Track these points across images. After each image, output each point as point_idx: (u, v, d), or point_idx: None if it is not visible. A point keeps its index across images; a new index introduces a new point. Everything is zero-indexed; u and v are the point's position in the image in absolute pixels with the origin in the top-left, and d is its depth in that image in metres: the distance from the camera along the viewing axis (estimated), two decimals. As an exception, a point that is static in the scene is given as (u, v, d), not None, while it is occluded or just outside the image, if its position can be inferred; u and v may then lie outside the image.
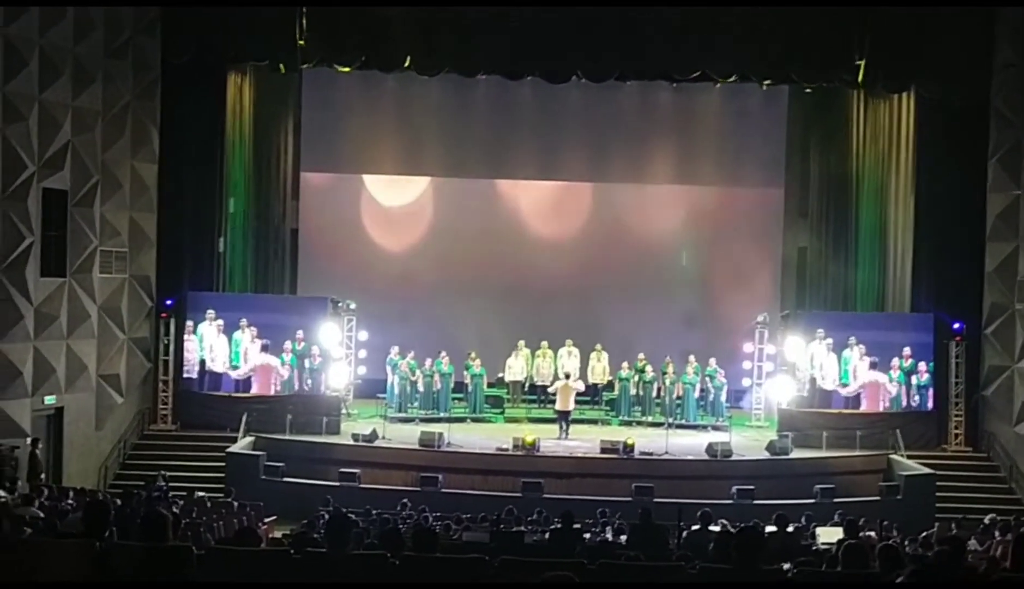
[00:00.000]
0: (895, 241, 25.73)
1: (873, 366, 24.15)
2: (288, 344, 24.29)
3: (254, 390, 24.23)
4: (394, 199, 28.45)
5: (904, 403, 24.26)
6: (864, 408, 24.19)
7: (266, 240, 27.31)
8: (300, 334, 24.38)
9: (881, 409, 24.15)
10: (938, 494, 21.58)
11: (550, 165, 28.21)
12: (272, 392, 24.15)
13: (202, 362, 24.40)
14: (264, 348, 24.26)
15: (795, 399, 24.32)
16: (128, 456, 23.40)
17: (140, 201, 24.16)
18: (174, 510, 13.22)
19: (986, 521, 17.22)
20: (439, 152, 28.23)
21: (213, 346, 24.39)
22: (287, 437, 22.95)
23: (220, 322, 24.33)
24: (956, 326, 24.38)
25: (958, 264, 24.62)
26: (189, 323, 24.29)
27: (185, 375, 24.37)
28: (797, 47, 24.09)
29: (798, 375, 24.42)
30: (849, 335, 24.40)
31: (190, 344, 24.33)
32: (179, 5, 23.75)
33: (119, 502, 14.79)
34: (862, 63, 23.76)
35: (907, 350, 24.21)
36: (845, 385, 24.35)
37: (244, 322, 24.39)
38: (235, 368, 24.36)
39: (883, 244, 26.15)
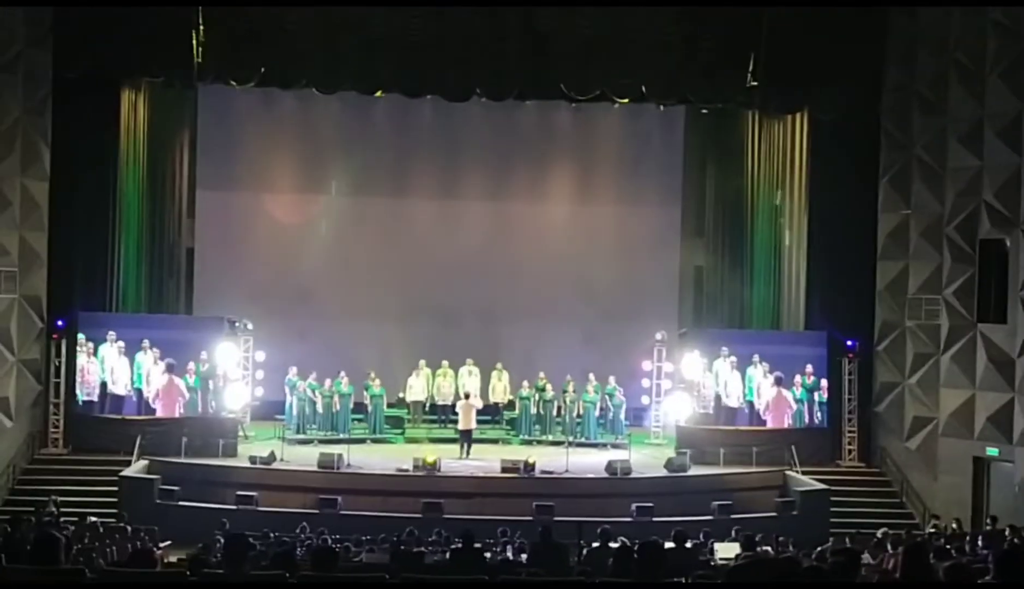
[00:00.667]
0: (789, 259, 26.19)
1: (778, 382, 24.48)
2: (192, 365, 23.91)
3: (158, 413, 23.77)
4: (292, 217, 28.15)
5: (807, 420, 24.62)
6: (770, 424, 24.49)
7: (161, 259, 26.86)
8: (204, 355, 24.02)
9: (786, 425, 24.48)
10: (833, 509, 21.92)
11: (451, 184, 28.19)
12: (177, 414, 23.72)
13: (103, 384, 23.88)
14: (168, 369, 23.83)
15: (693, 416, 24.55)
16: (17, 481, 22.73)
17: (30, 219, 23.62)
18: (65, 534, 12.87)
19: (879, 535, 17.52)
20: (338, 170, 28.05)
21: (114, 368, 23.90)
22: (182, 460, 22.53)
23: (121, 344, 23.86)
24: (849, 343, 24.86)
25: (851, 282, 25.14)
26: (90, 344, 23.75)
27: (86, 397, 23.82)
28: (693, 68, 24.44)
29: (703, 392, 24.66)
30: (751, 352, 24.71)
31: (91, 366, 23.79)
32: (72, 16, 23.29)
33: (8, 528, 14.37)
34: (757, 85, 24.15)
35: (809, 367, 24.60)
36: (750, 402, 24.64)
37: (146, 343, 23.97)
38: (138, 390, 23.89)
39: (778, 262, 26.60)
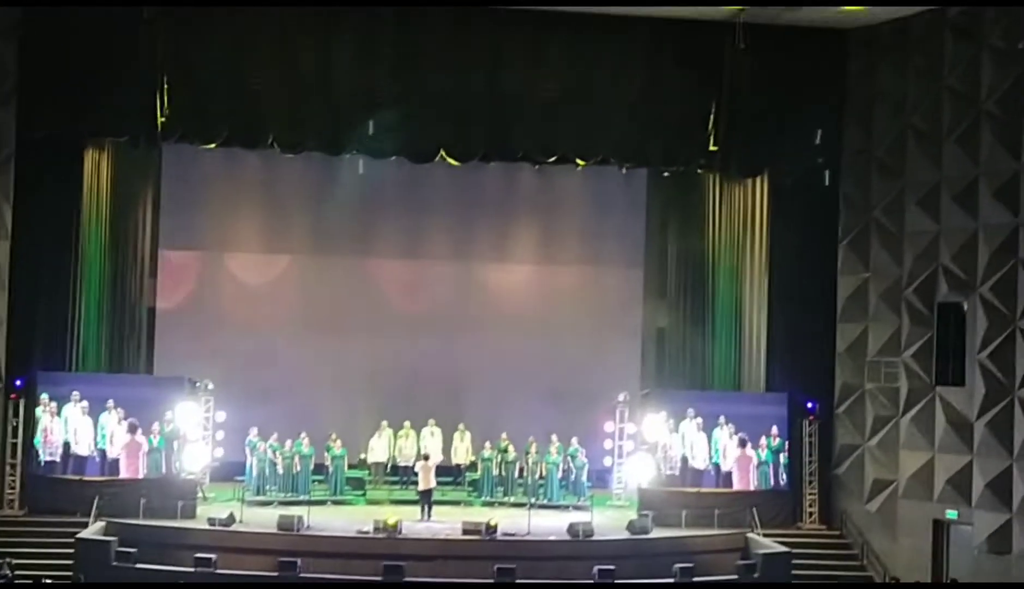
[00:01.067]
0: (750, 321, 26.36)
1: (742, 444, 24.55)
2: (156, 425, 23.74)
3: (122, 473, 23.54)
4: (255, 277, 28.08)
5: (772, 481, 24.69)
6: (736, 486, 24.51)
7: (122, 318, 26.62)
8: (169, 415, 23.89)
9: (752, 487, 24.52)
10: (794, 572, 21.88)
11: (415, 244, 28.23)
12: (140, 474, 23.51)
13: (66, 445, 23.65)
14: (131, 429, 23.64)
15: (658, 478, 24.53)
16: (-28, 543, 22.43)
17: (-9, 278, 23.47)
18: (19, 601, 12.71)
19: (839, 598, 17.56)
20: (302, 230, 28.02)
21: (78, 429, 23.70)
22: (140, 522, 22.26)
23: (85, 404, 23.69)
24: (809, 405, 25.01)
25: (811, 344, 25.33)
26: (53, 404, 23.54)
27: (48, 458, 23.55)
28: (654, 132, 24.74)
29: (669, 454, 24.67)
30: (714, 413, 24.80)
31: (55, 426, 23.57)
32: (37, 76, 23.30)
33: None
34: (718, 149, 24.43)
35: (775, 428, 24.72)
36: (716, 465, 24.69)
37: (111, 403, 23.81)
38: (101, 451, 23.69)
39: (739, 324, 26.74)
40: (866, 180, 25.06)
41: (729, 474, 24.71)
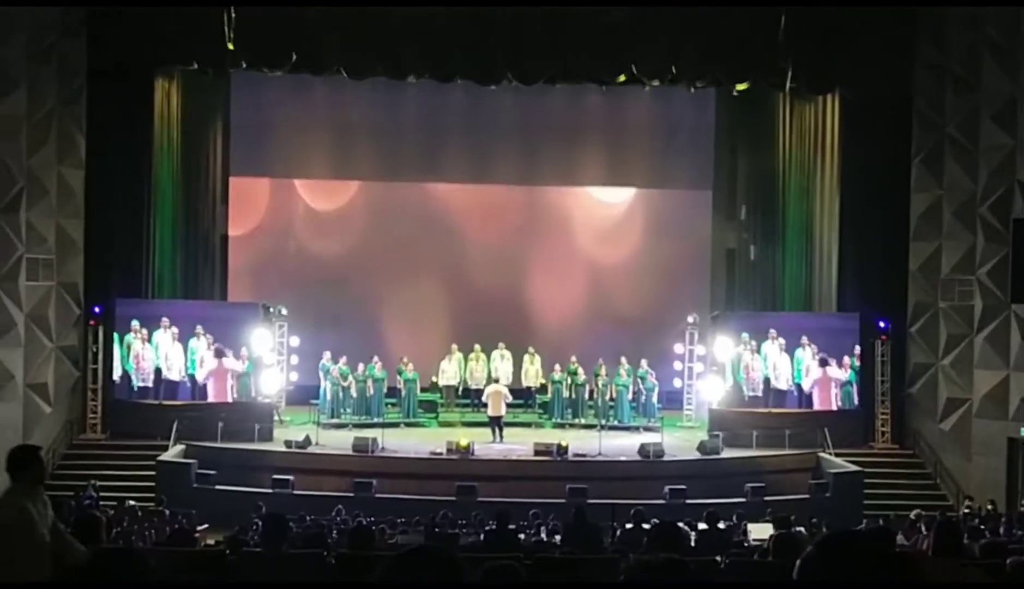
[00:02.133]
0: (821, 241, 26.08)
1: (823, 364, 24.41)
2: (244, 351, 24.12)
3: (210, 397, 23.98)
4: (326, 203, 28.33)
5: (857, 401, 24.56)
6: (817, 406, 24.44)
7: (195, 245, 27.05)
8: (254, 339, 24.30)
9: (834, 407, 24.44)
10: (866, 491, 21.88)
11: (481, 168, 28.27)
12: (230, 399, 23.93)
13: (157, 370, 24.09)
14: (218, 354, 24.02)
15: (725, 399, 24.53)
16: (57, 466, 22.89)
17: (67, 208, 23.85)
18: (105, 516, 13.05)
19: (912, 516, 17.50)
20: (371, 156, 28.17)
21: (168, 354, 24.10)
22: (218, 445, 22.74)
23: (175, 330, 24.05)
24: (881, 325, 24.77)
25: (883, 263, 25.02)
26: (144, 331, 23.94)
27: (141, 383, 24.02)
28: (724, 50, 24.36)
29: (751, 376, 24.55)
30: (786, 334, 24.64)
31: (146, 353, 23.99)
32: (105, 7, 23.48)
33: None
34: (788, 66, 24.07)
35: (858, 348, 24.52)
36: (799, 384, 24.60)
37: (200, 329, 24.15)
38: (191, 376, 24.12)
39: (810, 244, 26.49)
40: (939, 95, 24.55)
41: (811, 395, 24.57)
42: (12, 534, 6.84)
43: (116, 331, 23.99)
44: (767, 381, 24.66)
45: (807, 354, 24.58)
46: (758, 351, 24.66)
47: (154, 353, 24.10)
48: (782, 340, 24.65)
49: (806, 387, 24.58)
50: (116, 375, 23.99)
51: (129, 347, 24.02)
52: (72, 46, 23.61)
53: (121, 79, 23.96)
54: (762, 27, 24.05)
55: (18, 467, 7.04)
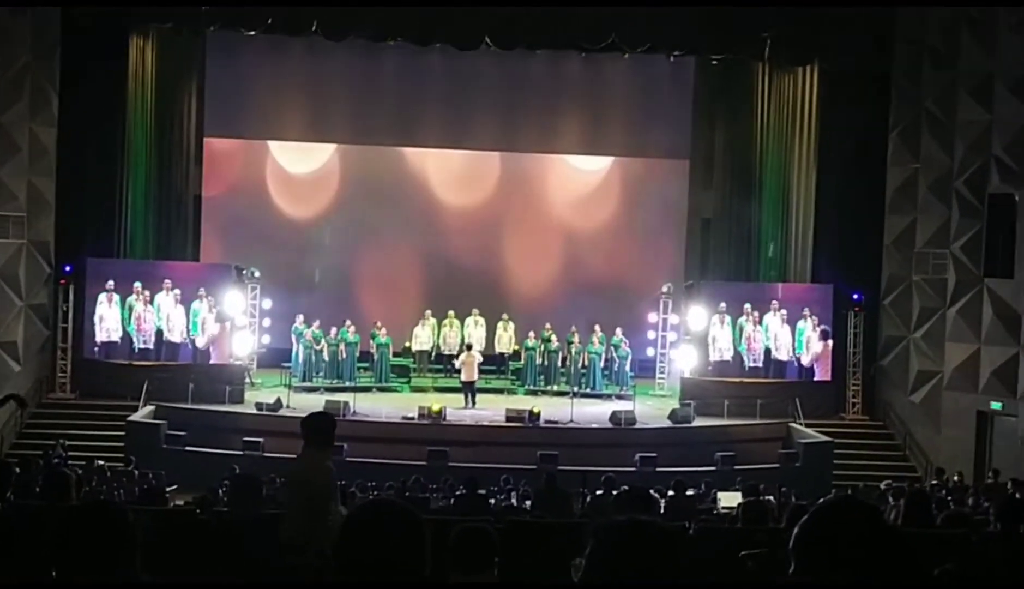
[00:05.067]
0: (797, 212, 26.11)
1: (824, 336, 24.48)
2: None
3: (213, 359, 23.98)
4: (300, 166, 28.13)
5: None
6: (818, 377, 24.61)
7: (168, 205, 26.86)
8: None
9: (829, 377, 24.65)
10: (836, 462, 22.02)
11: (459, 133, 28.11)
12: (231, 361, 23.95)
13: (159, 332, 23.96)
14: (220, 318, 23.95)
15: (697, 368, 24.59)
16: (25, 425, 22.83)
17: (39, 165, 23.65)
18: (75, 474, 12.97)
19: (882, 487, 17.61)
20: (346, 118, 27.96)
21: (171, 316, 23.97)
22: (189, 406, 22.65)
23: (177, 292, 23.94)
24: (855, 296, 24.86)
25: (858, 235, 25.13)
26: (146, 293, 23.83)
27: (143, 345, 23.90)
28: (704, 19, 24.26)
29: (752, 346, 24.57)
30: (762, 303, 24.68)
31: (147, 315, 23.86)
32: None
33: (17, 469, 14.47)
34: (767, 36, 24.01)
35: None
36: (799, 355, 24.67)
37: (203, 292, 24.03)
38: (192, 339, 24.02)
39: (786, 214, 26.51)
40: (917, 69, 24.59)
41: (811, 367, 24.66)
42: (330, 491, 7.46)
43: (86, 290, 23.85)
44: (768, 352, 24.66)
45: (808, 325, 24.61)
46: (757, 323, 24.60)
47: (155, 315, 23.95)
48: (784, 311, 24.65)
49: (806, 361, 24.63)
50: (102, 336, 23.86)
51: (131, 309, 23.92)
52: (46, 5, 23.32)
53: (96, 37, 23.71)
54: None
55: (321, 432, 7.54)
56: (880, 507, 15.11)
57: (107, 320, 23.89)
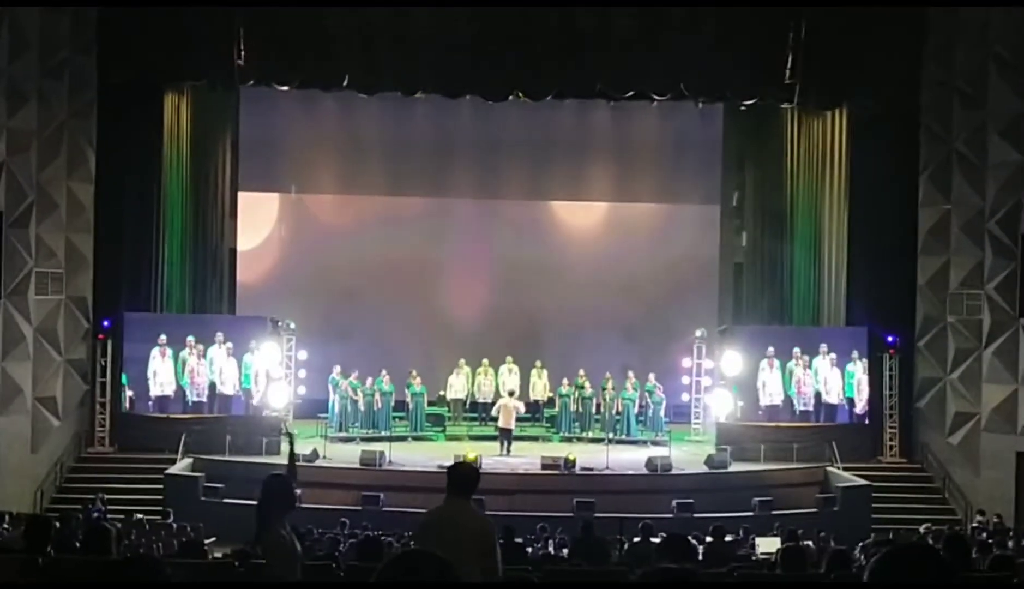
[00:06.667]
0: (829, 255, 26.07)
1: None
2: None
3: (266, 412, 24.20)
4: (334, 218, 28.40)
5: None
6: (869, 422, 24.53)
7: (204, 259, 27.12)
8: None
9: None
10: (874, 505, 21.82)
11: (490, 183, 28.34)
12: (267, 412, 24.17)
13: (212, 385, 24.14)
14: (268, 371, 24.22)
15: (732, 413, 24.51)
16: (65, 479, 23.04)
17: (76, 222, 23.94)
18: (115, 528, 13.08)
19: (921, 530, 17.50)
20: (379, 171, 28.24)
21: (223, 369, 24.16)
22: (226, 458, 22.76)
23: (229, 345, 24.09)
24: (890, 339, 24.74)
25: (891, 277, 25.01)
26: (200, 347, 24.00)
27: (196, 398, 24.07)
28: (731, 65, 24.37)
29: (803, 390, 24.41)
30: (791, 348, 24.57)
31: (200, 368, 24.04)
32: (116, 21, 23.57)
33: (57, 524, 14.61)
34: (796, 81, 24.10)
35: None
36: (850, 398, 24.56)
37: (253, 344, 24.23)
38: (246, 390, 24.23)
39: (818, 258, 26.47)
40: (947, 111, 24.58)
41: (864, 413, 24.52)
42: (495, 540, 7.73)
43: (124, 345, 24.06)
44: (818, 395, 24.54)
45: (858, 368, 24.50)
46: (807, 367, 24.45)
47: (208, 368, 24.15)
48: (833, 355, 24.50)
49: (859, 404, 24.50)
50: (156, 391, 23.99)
51: (184, 363, 24.08)
52: (83, 61, 23.73)
53: (131, 94, 24.06)
54: (770, 43, 24.09)
55: (467, 483, 8.03)
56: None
57: (160, 374, 24.02)
